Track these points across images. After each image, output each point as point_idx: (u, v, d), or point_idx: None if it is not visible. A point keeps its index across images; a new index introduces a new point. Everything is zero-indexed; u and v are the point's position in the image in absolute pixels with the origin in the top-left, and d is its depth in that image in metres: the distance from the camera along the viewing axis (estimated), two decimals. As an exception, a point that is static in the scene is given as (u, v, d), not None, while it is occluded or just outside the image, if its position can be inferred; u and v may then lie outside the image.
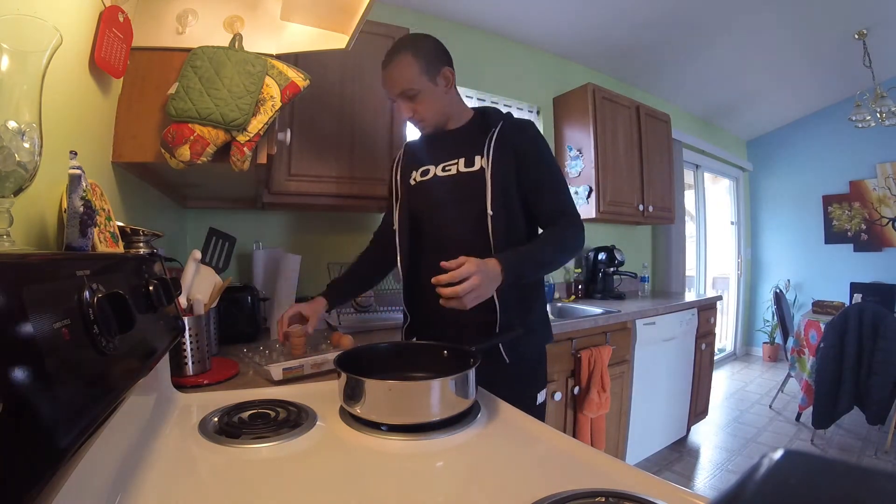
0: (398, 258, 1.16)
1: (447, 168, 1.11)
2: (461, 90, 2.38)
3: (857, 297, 3.21)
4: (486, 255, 0.93)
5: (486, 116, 1.14)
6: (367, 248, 1.33)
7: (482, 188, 1.04)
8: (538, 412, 1.10)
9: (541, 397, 1.13)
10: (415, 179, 1.17)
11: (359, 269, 1.30)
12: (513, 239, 1.05)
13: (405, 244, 1.15)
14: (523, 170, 1.07)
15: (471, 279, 0.85)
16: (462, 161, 1.10)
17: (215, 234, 1.47)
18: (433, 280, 0.88)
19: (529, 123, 1.14)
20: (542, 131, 2.84)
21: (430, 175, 1.14)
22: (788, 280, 4.37)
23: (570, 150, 2.61)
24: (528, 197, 1.08)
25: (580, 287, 2.69)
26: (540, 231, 1.12)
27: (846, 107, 3.34)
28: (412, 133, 1.91)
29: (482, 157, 1.07)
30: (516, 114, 2.62)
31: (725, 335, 4.54)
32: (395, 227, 1.17)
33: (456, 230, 1.09)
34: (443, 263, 0.88)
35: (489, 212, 1.03)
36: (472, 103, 2.40)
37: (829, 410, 2.51)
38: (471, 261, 0.87)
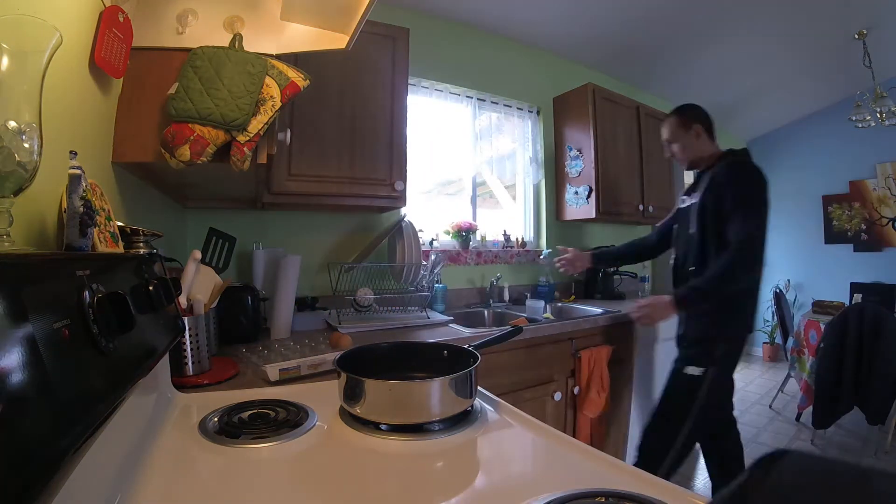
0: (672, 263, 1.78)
1: (684, 200, 1.72)
2: (461, 89, 2.40)
3: (857, 298, 3.20)
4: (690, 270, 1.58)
5: (719, 160, 1.61)
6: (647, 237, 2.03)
7: (690, 215, 1.60)
8: (689, 382, 1.51)
9: (695, 371, 1.51)
10: (682, 204, 1.73)
11: (631, 247, 2.09)
12: (707, 254, 1.52)
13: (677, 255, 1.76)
14: (720, 203, 1.48)
15: (645, 310, 1.58)
16: (693, 195, 1.63)
17: (215, 233, 1.47)
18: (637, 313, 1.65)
19: (737, 166, 1.55)
20: (541, 131, 2.82)
21: (684, 203, 1.71)
22: (788, 280, 4.37)
23: (570, 150, 2.61)
24: (721, 227, 1.47)
25: (580, 287, 2.69)
26: None
27: (846, 107, 3.34)
28: (413, 133, 1.92)
29: (699, 192, 1.58)
30: (516, 114, 2.64)
31: (725, 335, 4.54)
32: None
33: (678, 246, 1.72)
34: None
35: (690, 231, 1.58)
36: (471, 103, 2.44)
37: (829, 410, 2.50)
38: (650, 299, 1.58)
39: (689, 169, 1.71)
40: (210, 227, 1.47)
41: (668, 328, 2.28)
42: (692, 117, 1.68)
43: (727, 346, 1.52)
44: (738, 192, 1.45)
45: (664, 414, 1.58)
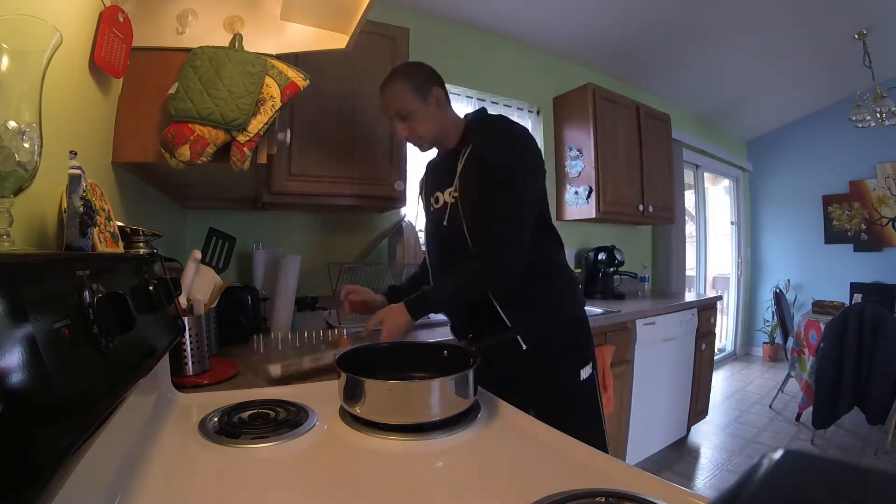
0: (429, 271, 1.26)
1: (439, 199, 1.18)
2: (461, 89, 2.40)
3: (857, 297, 3.20)
4: None
5: (466, 131, 1.16)
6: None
7: (459, 220, 1.10)
8: (584, 388, 1.12)
9: (584, 373, 1.12)
10: (432, 206, 1.22)
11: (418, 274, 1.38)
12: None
13: (436, 268, 1.23)
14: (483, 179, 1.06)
15: (383, 326, 1.04)
16: (448, 191, 1.15)
17: (215, 234, 1.47)
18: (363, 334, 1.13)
19: (496, 125, 1.13)
20: (541, 131, 2.81)
21: (440, 203, 1.18)
22: (788, 280, 4.37)
23: (570, 150, 2.61)
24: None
25: (580, 287, 2.69)
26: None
27: (846, 107, 3.34)
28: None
29: (453, 186, 1.12)
30: (516, 114, 2.64)
31: (725, 335, 4.54)
32: (424, 248, 1.28)
33: (451, 259, 1.14)
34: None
35: (469, 244, 1.08)
36: (472, 103, 2.44)
37: (829, 410, 2.51)
38: (378, 314, 1.07)
39: (430, 147, 1.20)
40: (210, 227, 1.47)
41: (670, 328, 2.29)
42: (426, 78, 1.14)
43: None
44: (501, 156, 1.10)
45: None
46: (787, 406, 3.12)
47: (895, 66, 3.06)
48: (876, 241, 3.90)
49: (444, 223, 1.13)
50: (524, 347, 1.08)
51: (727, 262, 4.61)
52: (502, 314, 1.10)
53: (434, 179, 1.23)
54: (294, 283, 1.51)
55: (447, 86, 2.20)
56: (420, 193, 1.31)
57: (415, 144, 1.18)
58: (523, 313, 1.10)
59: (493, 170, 1.05)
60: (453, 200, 1.12)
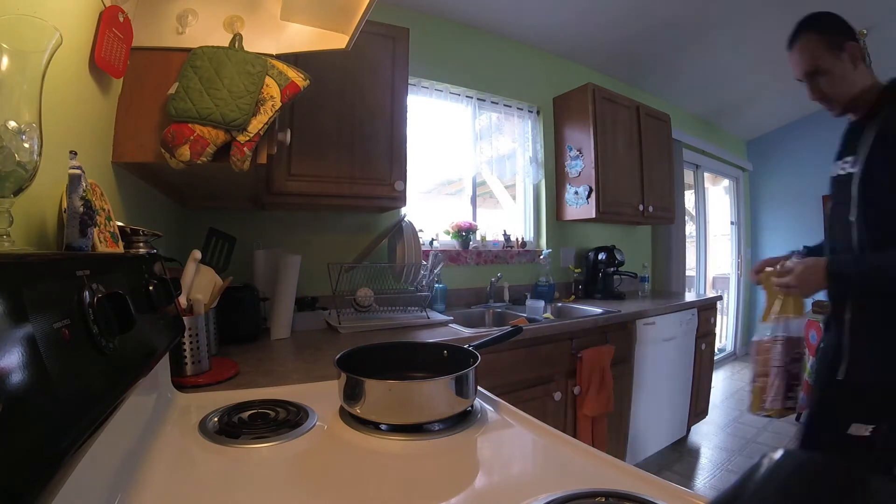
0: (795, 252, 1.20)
1: (843, 167, 1.09)
2: (461, 89, 2.40)
3: (857, 297, 3.20)
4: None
5: (880, 99, 1.03)
6: None
7: (849, 194, 1.01)
8: (853, 444, 0.94)
9: (860, 430, 0.94)
10: (836, 172, 1.13)
11: None
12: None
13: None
14: None
15: (792, 276, 1.01)
16: (852, 160, 1.05)
17: (215, 234, 1.47)
18: (768, 272, 1.12)
19: None
20: (541, 131, 2.81)
21: (835, 173, 1.11)
22: (788, 280, 4.36)
23: (570, 150, 2.61)
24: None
25: (580, 287, 2.69)
26: None
27: (846, 107, 3.33)
28: (413, 133, 1.91)
29: (860, 156, 1.00)
30: (516, 114, 2.64)
31: (725, 335, 4.54)
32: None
33: (831, 239, 1.09)
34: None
35: (850, 219, 0.99)
36: (471, 103, 2.44)
37: (829, 410, 2.50)
38: (796, 263, 1.04)
39: (843, 114, 1.15)
40: (210, 228, 1.47)
41: (670, 328, 2.29)
42: (842, 32, 1.05)
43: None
44: None
45: None
46: (787, 406, 3.12)
47: (895, 66, 3.06)
48: (876, 241, 3.89)
49: (838, 193, 1.07)
50: (839, 378, 0.95)
51: (727, 262, 4.61)
52: (846, 335, 0.98)
53: (843, 143, 1.14)
54: (294, 283, 1.51)
55: (445, 85, 2.17)
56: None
57: (826, 107, 1.10)
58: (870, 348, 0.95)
59: None
60: (850, 171, 1.02)
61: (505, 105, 2.56)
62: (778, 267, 1.07)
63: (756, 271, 1.14)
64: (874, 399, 0.94)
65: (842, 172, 1.08)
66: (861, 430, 0.93)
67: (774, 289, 1.12)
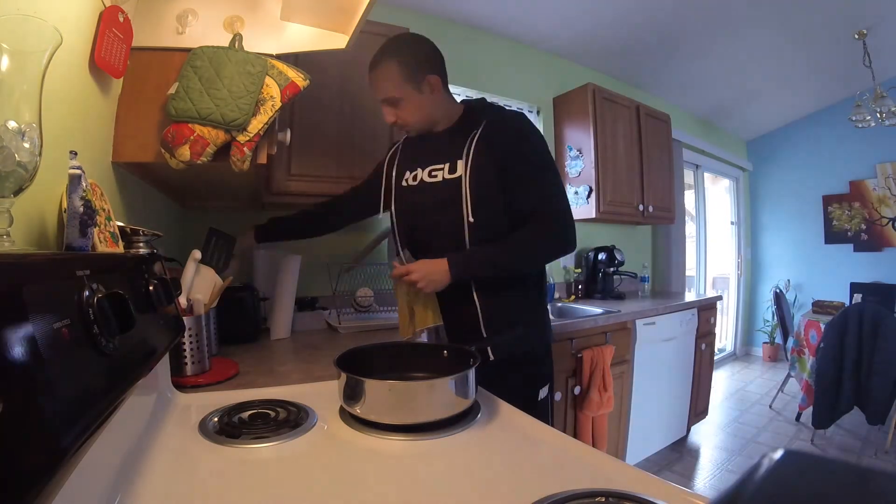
0: (397, 247, 1.21)
1: (434, 174, 1.13)
2: (462, 90, 2.39)
3: (857, 297, 3.20)
4: None
5: (471, 114, 1.14)
6: (317, 206, 1.44)
7: (460, 195, 1.06)
8: (540, 408, 1.12)
9: (542, 392, 1.14)
10: (406, 182, 1.19)
11: (301, 218, 1.42)
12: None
13: (404, 235, 1.20)
14: (505, 169, 1.05)
15: (415, 273, 1.05)
16: (447, 167, 1.10)
17: (215, 234, 1.47)
18: (392, 274, 1.10)
19: (515, 117, 1.12)
20: (542, 131, 2.82)
21: (419, 180, 1.16)
22: (788, 280, 4.37)
23: (570, 150, 2.61)
24: (511, 197, 1.06)
25: (580, 287, 2.69)
26: None
27: (846, 107, 3.34)
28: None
29: (463, 161, 1.07)
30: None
31: (725, 335, 4.54)
32: (392, 225, 1.24)
33: (440, 237, 1.11)
34: (395, 264, 1.11)
35: (468, 219, 1.05)
36: (472, 103, 2.43)
37: (829, 410, 2.51)
38: (414, 264, 1.07)
39: (417, 133, 1.16)
40: (210, 227, 1.47)
41: (670, 328, 2.29)
42: (423, 63, 1.08)
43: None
44: (534, 146, 1.09)
45: None
46: (787, 406, 3.12)
47: (895, 66, 3.06)
48: (876, 241, 3.90)
49: (441, 196, 1.10)
50: (491, 358, 1.06)
51: (727, 262, 4.61)
52: (482, 323, 1.08)
53: (419, 155, 1.18)
54: (294, 283, 1.51)
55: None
56: (388, 168, 1.25)
57: (401, 129, 1.17)
58: (503, 329, 1.08)
59: (529, 154, 1.07)
60: (453, 176, 1.08)
61: (505, 105, 2.56)
62: (395, 264, 1.10)
63: (393, 276, 1.12)
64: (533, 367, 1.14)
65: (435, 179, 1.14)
66: (544, 393, 1.14)
67: (405, 291, 1.12)
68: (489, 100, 1.22)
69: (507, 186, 1.06)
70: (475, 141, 1.07)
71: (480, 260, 1.05)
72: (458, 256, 1.05)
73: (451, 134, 1.13)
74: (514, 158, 1.05)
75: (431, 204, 1.12)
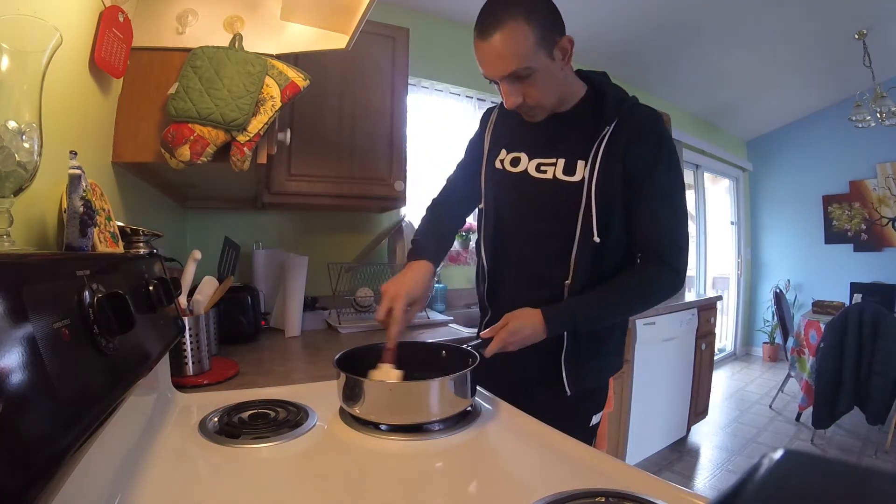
0: (481, 241, 1.00)
1: (542, 168, 0.91)
2: (461, 89, 2.40)
3: (857, 297, 3.20)
4: (560, 285, 0.88)
5: (601, 101, 0.88)
6: (436, 202, 1.09)
7: (577, 205, 0.85)
8: (590, 433, 0.99)
9: (595, 419, 0.99)
10: (502, 163, 0.96)
11: (441, 218, 1.05)
12: (603, 272, 0.88)
13: (490, 229, 0.99)
14: (632, 185, 0.85)
15: (510, 344, 0.82)
16: (562, 164, 0.88)
17: (229, 244, 1.45)
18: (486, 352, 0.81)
19: (654, 121, 0.88)
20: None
21: (521, 168, 0.93)
22: (788, 280, 4.37)
23: (570, 150, 2.60)
24: (629, 219, 0.87)
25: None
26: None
27: (846, 107, 3.34)
28: (413, 132, 1.91)
29: (586, 164, 0.85)
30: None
31: (725, 335, 4.54)
32: (482, 205, 1.00)
33: (539, 247, 0.92)
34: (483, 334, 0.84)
35: (594, 238, 0.84)
36: (472, 103, 2.43)
37: (829, 410, 2.51)
38: (508, 326, 0.82)
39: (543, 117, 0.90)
40: (225, 237, 1.43)
41: (670, 328, 2.29)
42: (556, 20, 0.83)
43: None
44: (668, 165, 0.87)
45: None
46: (787, 406, 3.12)
47: (895, 66, 3.06)
48: (876, 241, 3.90)
49: (554, 201, 0.89)
50: (568, 394, 0.92)
51: (727, 262, 4.61)
52: (563, 357, 0.90)
53: (518, 135, 0.96)
54: (303, 283, 1.52)
55: (445, 85, 2.10)
56: (484, 138, 1.02)
57: (527, 114, 0.88)
58: (583, 362, 0.92)
59: (664, 174, 0.86)
60: (570, 179, 0.87)
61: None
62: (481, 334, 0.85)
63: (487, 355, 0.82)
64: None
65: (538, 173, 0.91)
66: (597, 419, 0.99)
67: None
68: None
69: (628, 204, 0.86)
70: (604, 142, 0.84)
71: (583, 315, 0.84)
72: (557, 313, 0.83)
73: (570, 122, 0.90)
74: (646, 177, 0.84)
75: (535, 206, 0.91)
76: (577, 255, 0.87)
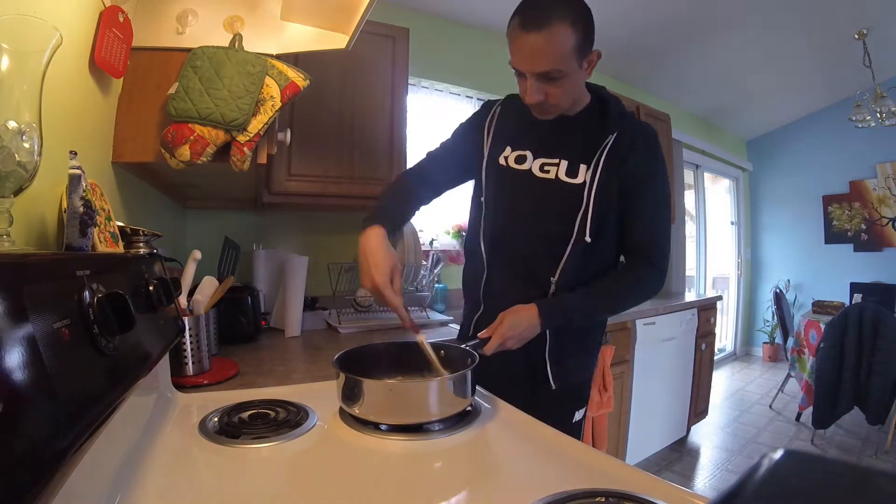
0: (480, 235, 1.01)
1: (546, 168, 0.95)
2: (461, 89, 2.40)
3: (857, 297, 3.20)
4: (548, 280, 0.93)
5: (605, 108, 0.95)
6: (412, 171, 1.11)
7: (577, 207, 0.90)
8: (574, 429, 1.03)
9: (578, 415, 1.04)
10: (506, 160, 0.99)
11: (408, 186, 1.07)
12: (588, 271, 0.93)
13: (490, 224, 1.00)
14: (626, 194, 0.91)
15: (508, 340, 0.85)
16: (564, 165, 0.93)
17: (229, 244, 1.46)
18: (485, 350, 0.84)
19: (651, 135, 0.96)
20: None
21: (526, 166, 0.96)
22: (788, 280, 4.37)
23: (570, 150, 2.60)
24: (622, 224, 0.94)
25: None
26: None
27: (846, 107, 3.34)
28: (413, 133, 1.91)
29: (588, 168, 0.91)
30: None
31: (725, 335, 4.54)
32: (482, 199, 1.01)
33: (535, 243, 0.96)
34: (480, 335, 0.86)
35: (585, 239, 0.89)
36: (472, 103, 2.43)
37: (829, 410, 2.51)
38: (504, 323, 0.85)
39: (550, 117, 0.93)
40: (225, 237, 1.44)
41: (670, 328, 2.29)
42: (592, 33, 0.85)
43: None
44: (662, 176, 0.95)
45: None
46: (787, 406, 3.12)
47: (895, 66, 3.06)
48: (876, 241, 3.90)
49: (555, 199, 0.93)
50: (553, 388, 0.97)
51: (727, 262, 4.61)
52: (547, 351, 0.95)
53: (523, 135, 0.99)
54: (303, 284, 1.52)
55: (445, 85, 2.11)
56: (483, 130, 1.03)
57: (541, 113, 0.91)
58: (567, 356, 0.98)
59: (657, 185, 0.94)
60: (572, 181, 0.91)
61: (505, 105, 2.56)
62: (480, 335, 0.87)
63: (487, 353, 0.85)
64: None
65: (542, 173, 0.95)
66: (579, 415, 1.04)
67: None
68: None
69: (622, 210, 0.92)
70: (606, 151, 0.90)
71: (578, 310, 0.89)
72: (552, 307, 0.89)
73: (575, 126, 0.94)
74: (641, 186, 0.91)
75: (537, 205, 0.94)
76: (569, 254, 0.92)
